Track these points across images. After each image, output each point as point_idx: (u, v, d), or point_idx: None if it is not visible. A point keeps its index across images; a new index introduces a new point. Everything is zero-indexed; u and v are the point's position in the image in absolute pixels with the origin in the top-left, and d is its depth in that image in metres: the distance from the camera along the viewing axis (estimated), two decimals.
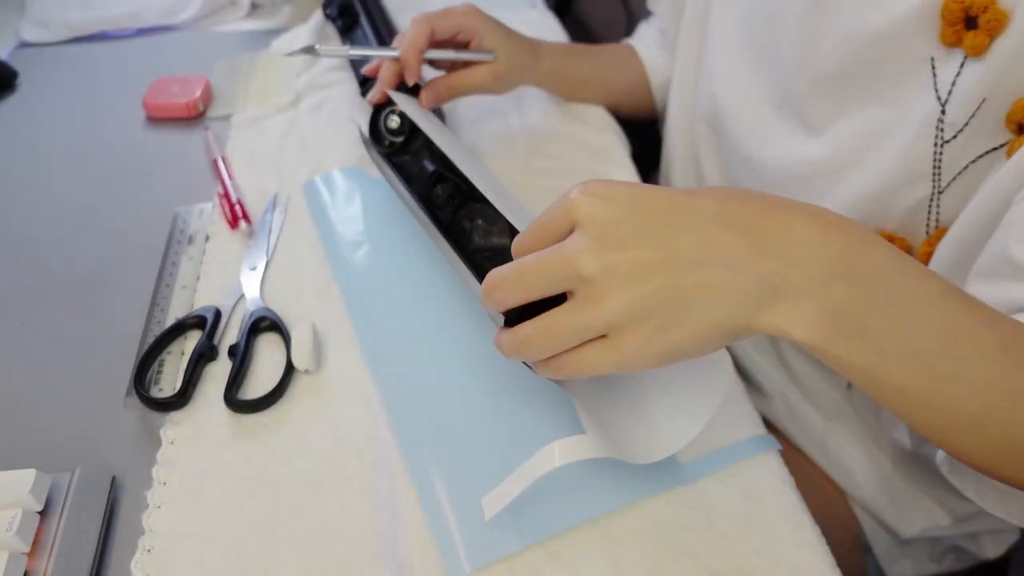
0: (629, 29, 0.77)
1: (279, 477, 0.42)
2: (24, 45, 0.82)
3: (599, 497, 0.40)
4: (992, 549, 0.60)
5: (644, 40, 0.73)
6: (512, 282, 0.33)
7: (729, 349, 0.38)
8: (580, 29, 0.79)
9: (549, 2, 0.93)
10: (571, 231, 0.32)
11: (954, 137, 0.42)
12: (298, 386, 0.47)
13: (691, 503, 0.41)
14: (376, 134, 0.58)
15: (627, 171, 0.65)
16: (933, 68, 0.42)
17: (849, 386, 0.58)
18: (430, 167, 0.51)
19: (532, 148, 0.66)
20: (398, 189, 0.55)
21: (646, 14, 0.73)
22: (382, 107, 0.58)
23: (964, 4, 0.39)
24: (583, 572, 0.38)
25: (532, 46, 0.63)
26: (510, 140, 0.69)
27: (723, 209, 0.31)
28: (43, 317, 0.52)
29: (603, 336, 0.32)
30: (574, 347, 0.32)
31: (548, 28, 0.90)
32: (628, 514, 0.40)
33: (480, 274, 0.44)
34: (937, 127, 0.42)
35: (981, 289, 0.38)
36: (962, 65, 0.40)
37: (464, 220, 0.50)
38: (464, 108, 0.70)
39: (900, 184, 0.45)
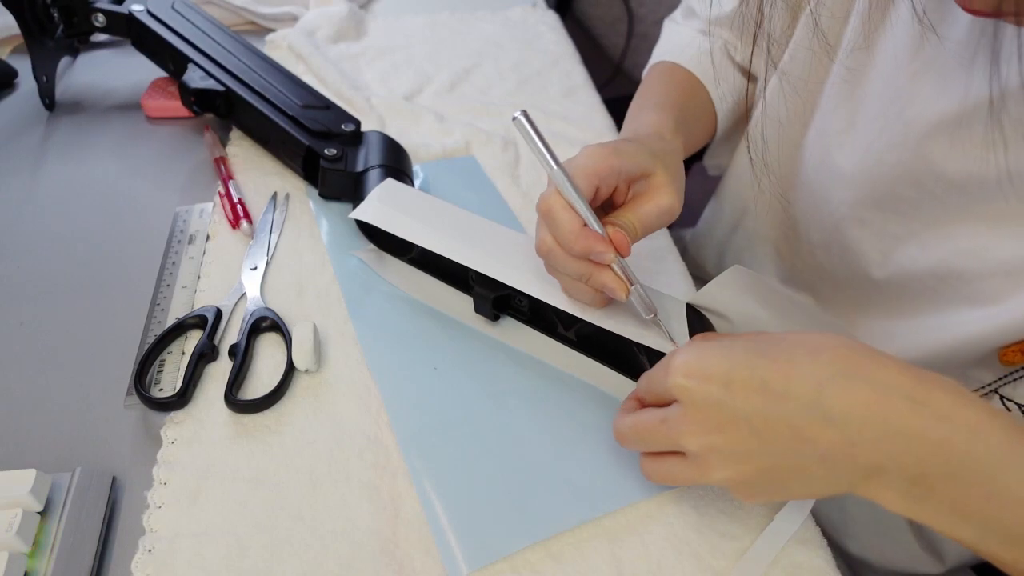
0: (630, 29, 0.76)
1: (279, 477, 0.42)
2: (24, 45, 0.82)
3: (601, 497, 0.40)
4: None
5: (704, 66, 0.62)
6: (631, 439, 0.37)
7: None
8: (580, 29, 0.79)
9: (549, 2, 0.93)
10: (671, 397, 0.35)
11: None
12: (299, 386, 0.46)
13: (693, 502, 0.41)
14: (372, 232, 0.54)
15: None
16: None
17: None
18: (489, 293, 0.47)
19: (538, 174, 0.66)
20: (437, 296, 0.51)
21: (646, 14, 0.73)
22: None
23: None
24: (584, 570, 0.38)
25: (666, 148, 0.48)
26: (512, 163, 0.69)
27: (819, 397, 0.31)
28: (43, 317, 0.52)
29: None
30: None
31: (548, 27, 0.90)
32: (629, 513, 0.40)
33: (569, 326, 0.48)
34: None
35: None
36: None
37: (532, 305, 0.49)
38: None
39: None
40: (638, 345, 0.45)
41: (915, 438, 0.30)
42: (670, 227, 0.66)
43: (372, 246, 0.55)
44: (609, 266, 0.40)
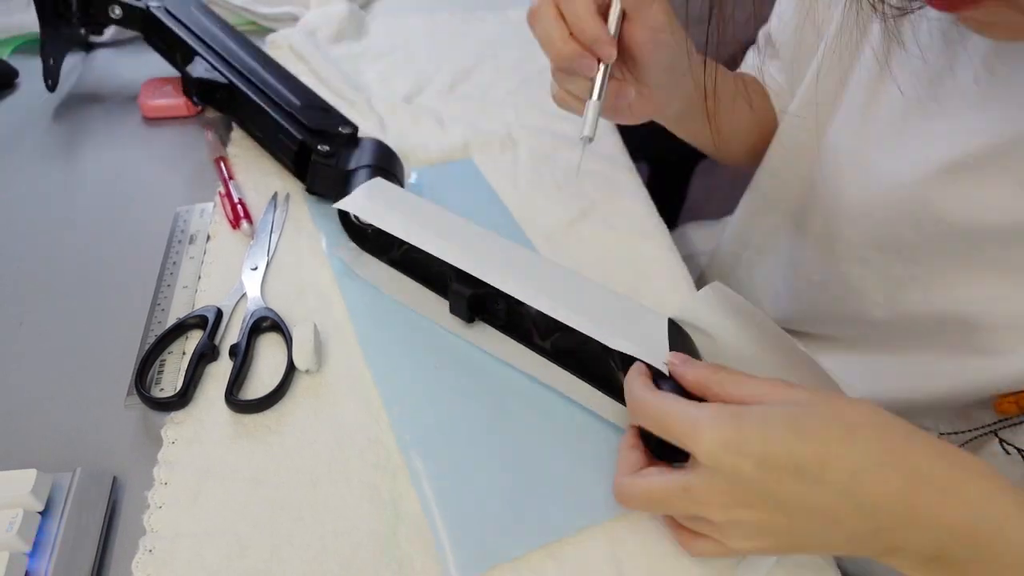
0: None
1: (280, 477, 0.42)
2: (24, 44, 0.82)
3: (602, 504, 0.40)
4: None
5: (764, 73, 0.63)
6: (639, 501, 0.36)
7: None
8: None
9: None
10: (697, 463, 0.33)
11: None
12: (299, 386, 0.46)
13: None
14: (354, 230, 0.54)
15: (631, 177, 0.65)
16: None
17: None
18: (465, 290, 0.47)
19: (538, 176, 0.65)
20: (415, 299, 0.51)
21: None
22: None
23: None
24: (584, 571, 0.38)
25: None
26: (512, 168, 0.69)
27: (853, 485, 0.31)
28: (43, 317, 0.52)
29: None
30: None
31: None
32: (631, 514, 0.40)
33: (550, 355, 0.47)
34: None
35: None
36: None
37: (508, 312, 0.49)
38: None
39: None
40: (615, 360, 0.44)
41: (941, 527, 0.30)
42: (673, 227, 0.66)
43: (353, 245, 0.55)
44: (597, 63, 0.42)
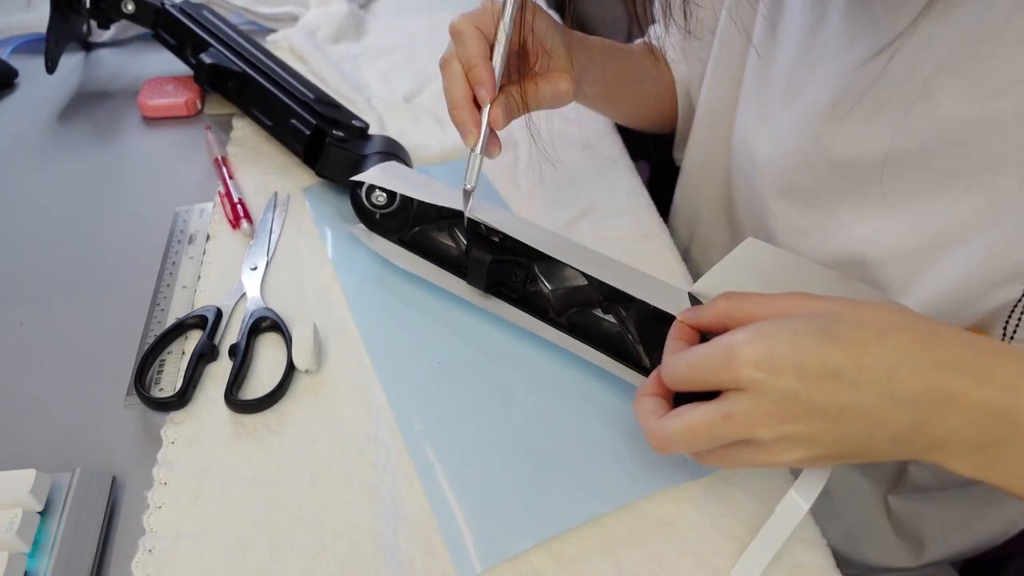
0: (630, 29, 0.76)
1: (280, 477, 0.42)
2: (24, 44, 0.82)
3: (603, 496, 0.40)
4: None
5: (665, 42, 0.64)
6: (682, 441, 0.34)
7: None
8: (580, 28, 0.79)
9: (550, 2, 0.93)
10: (731, 387, 0.33)
11: None
12: (299, 386, 0.46)
13: (694, 502, 0.41)
14: (364, 212, 0.54)
15: (631, 177, 0.65)
16: None
17: None
18: (486, 256, 0.47)
19: (538, 176, 0.65)
20: (428, 272, 0.51)
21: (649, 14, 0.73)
22: (358, 184, 0.53)
23: None
24: (586, 570, 0.38)
25: (580, 42, 0.53)
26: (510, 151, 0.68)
27: (890, 383, 0.31)
28: (43, 317, 0.52)
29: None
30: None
31: None
32: (631, 513, 0.40)
33: (572, 332, 0.47)
34: None
35: None
36: None
37: (526, 285, 0.49)
38: None
39: (984, 287, 0.41)
40: (632, 335, 0.45)
41: (980, 411, 0.31)
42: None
43: (363, 226, 0.55)
44: (478, 108, 0.45)
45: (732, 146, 0.57)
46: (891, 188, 0.44)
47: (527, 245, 0.46)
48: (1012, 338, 0.41)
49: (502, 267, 0.48)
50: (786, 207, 0.51)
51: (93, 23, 0.77)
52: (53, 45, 0.72)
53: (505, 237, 0.47)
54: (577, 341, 0.47)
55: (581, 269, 0.44)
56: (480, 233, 0.49)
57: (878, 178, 0.44)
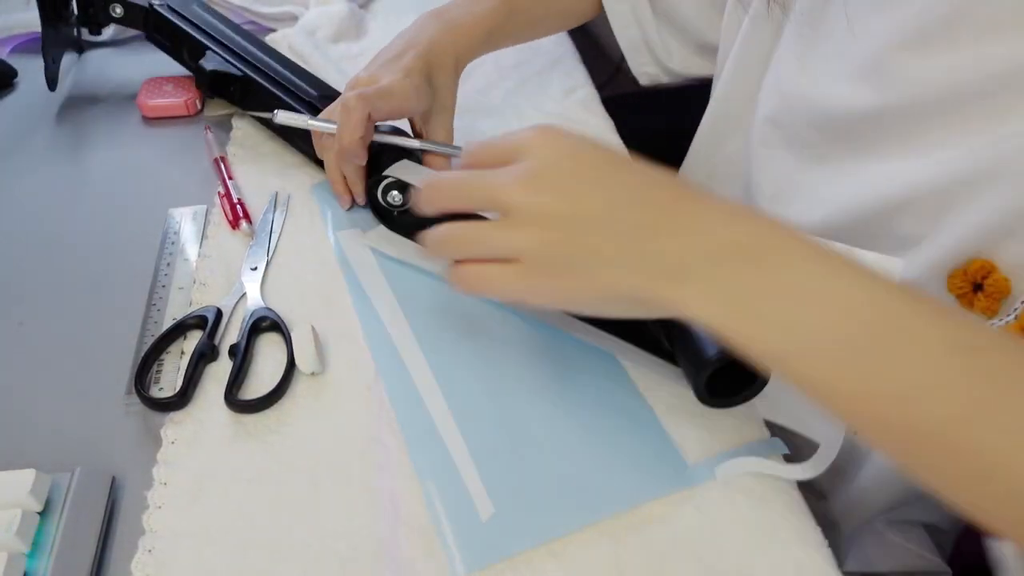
0: None
1: (280, 477, 0.42)
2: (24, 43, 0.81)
3: (604, 499, 0.40)
4: None
5: None
6: (448, 190, 0.37)
7: None
8: (580, 29, 0.79)
9: None
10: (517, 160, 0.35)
11: None
12: (299, 386, 0.46)
13: (694, 503, 0.41)
14: (380, 211, 0.55)
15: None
16: None
17: None
18: None
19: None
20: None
21: None
22: (377, 181, 0.54)
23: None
24: (584, 569, 0.38)
25: (456, 64, 0.59)
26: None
27: (645, 184, 0.33)
28: (42, 317, 0.52)
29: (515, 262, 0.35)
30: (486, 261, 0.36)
31: None
32: (631, 514, 0.40)
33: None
34: None
35: None
36: None
37: None
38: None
39: (1001, 235, 0.39)
40: (653, 325, 0.45)
41: (722, 232, 0.32)
42: None
43: (356, 229, 0.56)
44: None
45: (760, 99, 0.56)
46: (937, 125, 0.42)
47: None
48: None
49: None
50: (818, 155, 0.50)
51: (84, 30, 0.77)
52: (51, 62, 0.71)
53: None
54: (598, 330, 0.47)
55: None
56: None
57: (926, 120, 0.42)
